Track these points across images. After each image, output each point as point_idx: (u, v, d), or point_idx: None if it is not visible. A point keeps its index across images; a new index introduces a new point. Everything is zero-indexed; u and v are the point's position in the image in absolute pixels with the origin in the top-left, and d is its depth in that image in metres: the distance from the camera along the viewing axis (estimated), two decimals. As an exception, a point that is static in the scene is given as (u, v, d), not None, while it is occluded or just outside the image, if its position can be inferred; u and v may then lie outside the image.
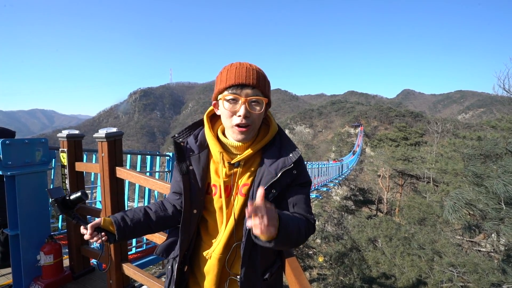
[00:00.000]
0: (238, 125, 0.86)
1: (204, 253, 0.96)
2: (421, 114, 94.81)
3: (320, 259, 12.15)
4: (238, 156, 0.93)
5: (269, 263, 0.98)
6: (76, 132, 2.39)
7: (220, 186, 0.94)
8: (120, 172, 2.04)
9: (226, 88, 0.86)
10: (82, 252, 2.47)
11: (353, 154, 48.94)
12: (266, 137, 0.94)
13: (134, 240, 3.58)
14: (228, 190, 0.94)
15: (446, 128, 28.25)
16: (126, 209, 2.32)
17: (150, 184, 1.89)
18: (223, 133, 0.97)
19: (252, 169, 0.93)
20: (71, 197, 1.00)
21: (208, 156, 0.98)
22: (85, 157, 3.69)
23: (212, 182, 0.96)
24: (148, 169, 4.00)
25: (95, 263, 2.83)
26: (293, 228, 0.78)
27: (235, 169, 0.93)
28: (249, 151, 0.91)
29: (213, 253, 0.94)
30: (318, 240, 16.78)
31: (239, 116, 0.85)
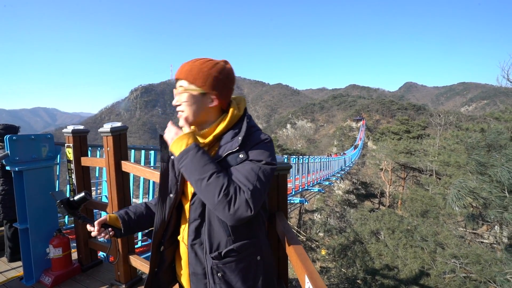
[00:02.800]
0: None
1: (179, 237, 1.04)
2: (423, 107, 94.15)
3: (323, 252, 12.26)
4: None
5: (218, 242, 0.93)
6: (81, 127, 2.42)
7: None
8: (126, 166, 2.07)
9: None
10: (90, 245, 2.52)
11: (355, 148, 48.85)
12: (223, 123, 0.95)
13: (139, 234, 3.64)
14: None
15: (449, 120, 28.06)
16: (131, 204, 2.37)
17: (155, 177, 1.92)
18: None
19: (212, 154, 0.95)
20: (75, 198, 1.06)
21: None
22: (89, 153, 3.74)
23: None
24: (152, 164, 4.04)
25: (102, 255, 2.89)
26: (201, 163, 0.84)
27: None
28: (209, 138, 0.96)
29: (183, 235, 1.01)
30: (321, 234, 16.91)
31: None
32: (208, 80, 0.93)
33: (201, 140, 0.98)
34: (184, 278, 1.02)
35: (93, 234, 0.99)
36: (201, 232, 0.94)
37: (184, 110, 0.95)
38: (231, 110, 0.98)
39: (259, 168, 0.87)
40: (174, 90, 0.97)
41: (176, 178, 1.00)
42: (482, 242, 7.82)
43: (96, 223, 1.00)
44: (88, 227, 1.02)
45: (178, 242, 1.07)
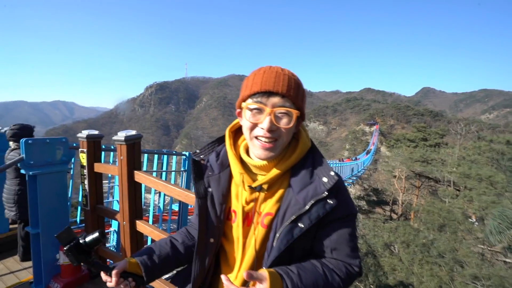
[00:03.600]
0: (260, 138, 0.73)
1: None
2: (441, 113, 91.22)
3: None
4: (261, 178, 0.79)
5: None
6: (96, 132, 2.37)
7: (239, 212, 0.82)
8: (139, 177, 2.00)
9: (250, 96, 0.73)
10: (100, 252, 2.47)
11: (367, 153, 47.83)
12: (294, 155, 0.78)
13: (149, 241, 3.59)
14: (249, 218, 0.81)
15: (470, 129, 26.93)
16: (142, 215, 2.28)
17: (169, 190, 1.84)
18: (247, 152, 0.84)
19: (278, 195, 0.78)
20: (87, 240, 0.82)
21: (230, 177, 0.85)
22: (102, 155, 3.74)
23: (233, 208, 0.84)
24: (164, 168, 3.99)
25: (112, 263, 2.84)
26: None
27: (257, 194, 0.79)
28: (273, 173, 0.77)
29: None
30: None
31: (262, 128, 0.72)
32: (303, 99, 0.77)
33: (269, 174, 0.78)
34: None
35: (109, 285, 0.79)
36: None
37: (280, 137, 0.74)
38: (303, 135, 0.82)
39: (354, 227, 0.79)
40: (264, 108, 0.71)
41: (218, 220, 0.83)
42: (505, 262, 7.35)
43: (114, 273, 0.79)
44: (104, 276, 0.80)
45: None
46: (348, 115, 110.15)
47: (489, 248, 9.15)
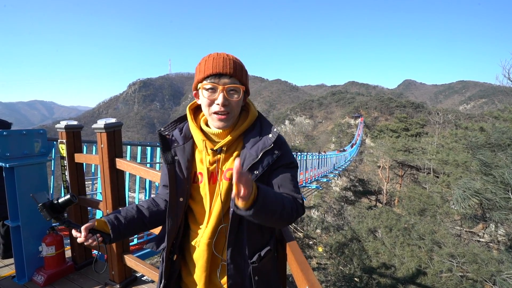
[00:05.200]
0: (216, 113, 0.90)
1: (193, 242, 0.98)
2: (422, 104, 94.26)
3: (320, 249, 12.30)
4: (220, 142, 0.96)
5: (257, 246, 0.96)
6: (75, 123, 2.34)
7: (205, 173, 0.97)
8: (120, 164, 2.00)
9: (204, 78, 0.89)
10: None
11: (351, 146, 48.84)
12: (246, 123, 0.97)
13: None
14: (214, 176, 0.96)
15: (448, 119, 28.09)
16: (126, 203, 2.31)
17: (151, 175, 1.86)
18: (206, 124, 1.00)
19: (235, 154, 0.96)
20: (60, 201, 0.94)
21: (193, 146, 1.01)
22: (85, 148, 3.67)
23: (198, 171, 0.99)
24: (148, 161, 3.97)
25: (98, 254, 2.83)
26: (274, 200, 0.81)
27: (218, 156, 0.96)
28: (229, 137, 0.95)
29: (201, 240, 0.95)
30: (318, 231, 16.97)
31: (218, 104, 0.88)
32: (246, 77, 0.95)
33: (226, 138, 0.95)
34: (200, 287, 0.97)
35: (79, 240, 0.90)
36: (242, 240, 0.92)
37: (232, 110, 0.91)
38: (251, 106, 1.01)
39: (295, 173, 0.99)
40: (217, 87, 0.87)
41: (186, 181, 0.97)
42: (478, 241, 7.85)
43: (83, 228, 0.89)
44: (74, 232, 0.92)
45: (185, 249, 1.02)
46: (334, 108, 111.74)
47: (465, 230, 9.71)
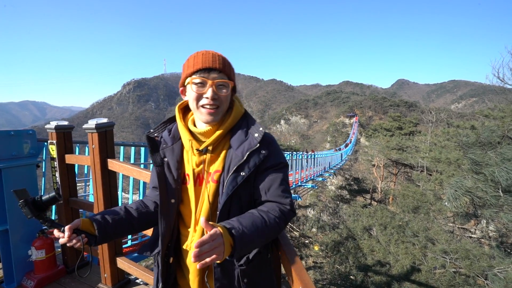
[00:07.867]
0: (205, 106, 0.89)
1: (184, 246, 0.96)
2: (415, 103, 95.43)
3: (316, 248, 12.36)
4: (206, 141, 0.94)
5: None
6: (65, 123, 2.29)
7: (191, 174, 0.95)
8: (112, 165, 1.97)
9: (194, 72, 0.89)
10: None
11: (346, 146, 49.19)
12: (230, 120, 0.94)
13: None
14: (200, 178, 0.95)
15: (440, 117, 28.47)
16: (119, 204, 2.28)
17: (143, 176, 1.83)
18: (194, 124, 0.99)
19: (222, 155, 0.94)
20: (43, 198, 0.89)
21: (182, 147, 1.00)
22: (77, 149, 3.60)
23: (186, 172, 0.98)
24: (142, 161, 3.92)
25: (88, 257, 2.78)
26: (254, 230, 0.78)
27: (204, 156, 0.94)
28: (215, 136, 0.92)
29: (191, 244, 0.93)
30: (314, 229, 17.03)
31: (207, 97, 0.88)
32: (233, 74, 0.96)
33: (211, 137, 0.93)
34: None
35: (61, 241, 0.83)
36: None
37: (221, 104, 0.91)
38: (236, 103, 0.99)
39: (285, 173, 0.95)
40: (207, 81, 0.88)
41: (176, 183, 0.95)
42: (470, 237, 7.98)
43: (66, 228, 0.82)
44: (56, 233, 0.84)
45: (179, 252, 0.99)
46: (329, 108, 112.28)
47: (458, 226, 9.86)
